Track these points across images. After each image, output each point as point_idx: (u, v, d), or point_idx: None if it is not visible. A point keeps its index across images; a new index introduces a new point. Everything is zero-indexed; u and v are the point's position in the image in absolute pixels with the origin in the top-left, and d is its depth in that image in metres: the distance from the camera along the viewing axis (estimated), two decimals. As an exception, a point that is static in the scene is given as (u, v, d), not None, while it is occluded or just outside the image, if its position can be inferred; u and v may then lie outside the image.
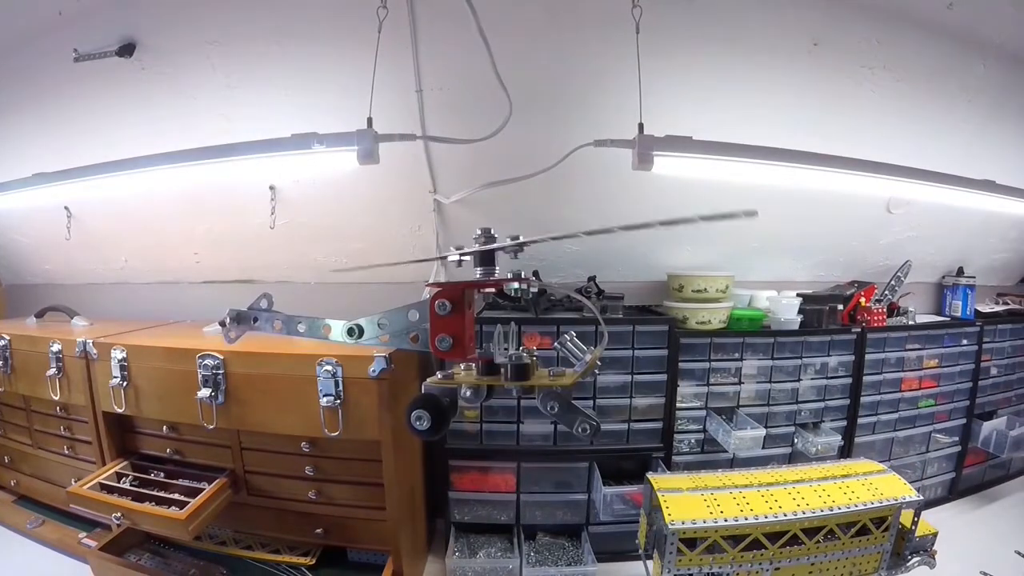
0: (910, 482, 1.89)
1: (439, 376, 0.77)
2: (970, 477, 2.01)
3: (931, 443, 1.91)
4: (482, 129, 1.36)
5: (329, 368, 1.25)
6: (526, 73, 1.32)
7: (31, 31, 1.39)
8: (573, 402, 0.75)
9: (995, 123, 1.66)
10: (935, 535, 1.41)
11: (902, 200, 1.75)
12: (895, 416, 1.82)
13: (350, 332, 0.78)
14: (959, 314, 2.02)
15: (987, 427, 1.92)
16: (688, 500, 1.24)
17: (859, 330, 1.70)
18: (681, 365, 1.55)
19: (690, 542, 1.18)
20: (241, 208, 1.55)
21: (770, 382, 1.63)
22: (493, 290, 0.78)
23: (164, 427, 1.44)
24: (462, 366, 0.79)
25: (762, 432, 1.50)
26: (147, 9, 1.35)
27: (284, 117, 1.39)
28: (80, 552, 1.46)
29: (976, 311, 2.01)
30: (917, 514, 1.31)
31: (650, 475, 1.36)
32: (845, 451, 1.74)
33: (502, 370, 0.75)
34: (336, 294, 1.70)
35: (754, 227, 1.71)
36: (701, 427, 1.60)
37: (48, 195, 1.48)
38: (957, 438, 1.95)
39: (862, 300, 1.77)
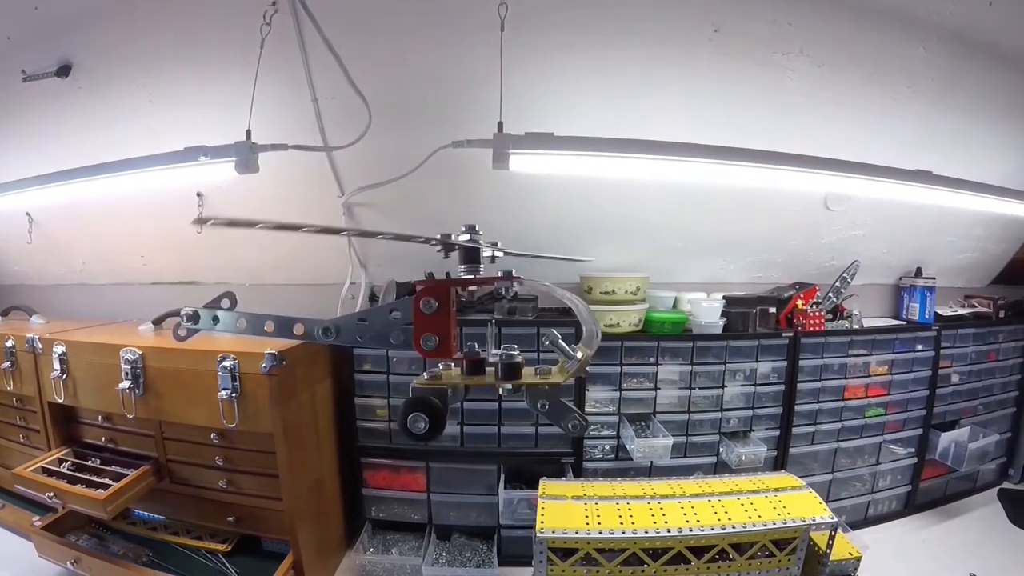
0: (859, 495, 1.66)
1: (425, 377, 0.72)
2: (929, 490, 1.74)
3: (882, 454, 1.66)
4: (377, 133, 1.27)
5: (227, 364, 1.23)
6: (413, 78, 1.23)
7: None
8: (563, 400, 0.70)
9: (942, 111, 1.41)
10: (858, 559, 1.18)
11: (841, 196, 1.52)
12: (838, 426, 1.58)
13: (326, 332, 0.72)
14: (916, 317, 1.74)
15: (945, 438, 1.65)
16: (568, 508, 1.10)
17: (791, 334, 1.48)
18: (591, 369, 1.39)
19: (570, 552, 1.03)
20: (176, 213, 1.52)
21: (690, 388, 1.44)
22: (476, 288, 0.72)
23: (99, 417, 1.43)
24: (441, 365, 0.74)
25: (669, 440, 1.32)
26: (77, 33, 1.34)
27: (203, 130, 1.34)
28: (31, 532, 1.47)
29: (936, 314, 1.73)
30: (832, 536, 1.10)
31: (543, 481, 1.22)
32: (779, 462, 1.52)
33: (489, 369, 0.71)
34: (271, 294, 1.65)
35: (675, 226, 1.53)
36: (615, 433, 1.44)
37: (9, 202, 1.50)
38: (913, 449, 1.68)
39: (799, 303, 1.55)
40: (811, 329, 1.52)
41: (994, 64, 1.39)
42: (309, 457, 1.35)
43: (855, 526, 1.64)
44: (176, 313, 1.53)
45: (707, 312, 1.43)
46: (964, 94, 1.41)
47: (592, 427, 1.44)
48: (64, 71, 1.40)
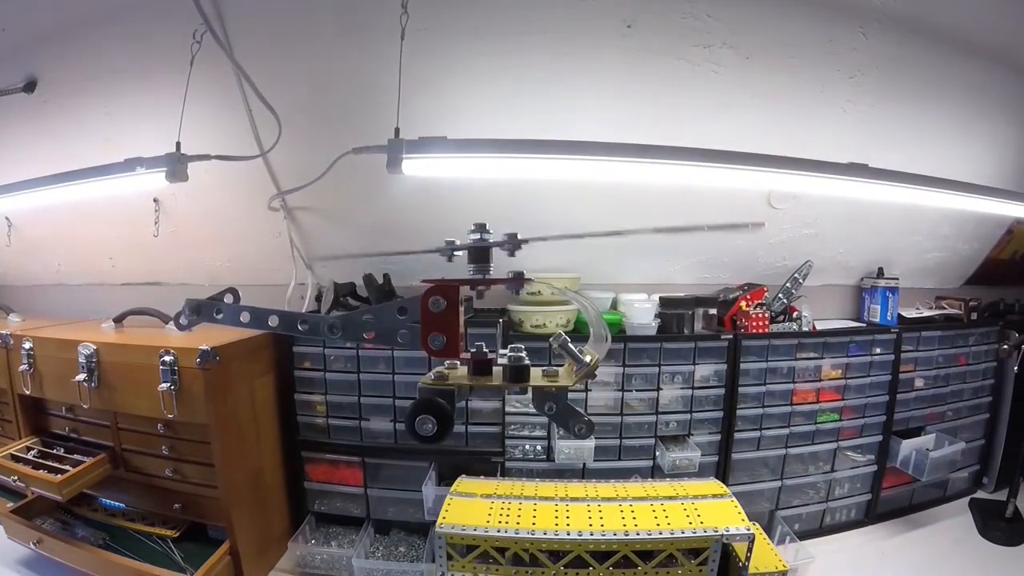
0: (813, 503, 1.58)
1: (431, 377, 0.71)
2: (892, 499, 1.64)
3: (838, 461, 1.56)
4: (311, 141, 1.29)
5: (168, 358, 1.28)
6: (338, 89, 1.26)
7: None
8: (570, 403, 0.70)
9: (889, 101, 1.32)
10: (784, 573, 1.12)
11: (785, 194, 1.44)
12: (786, 431, 1.50)
13: (331, 328, 0.70)
14: (877, 319, 1.63)
15: (906, 446, 1.55)
16: (474, 506, 1.09)
17: (730, 337, 1.41)
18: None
19: (471, 549, 1.01)
20: (137, 218, 1.60)
21: (622, 390, 1.39)
22: (486, 288, 0.72)
23: (63, 408, 1.50)
24: (447, 364, 0.73)
25: (592, 442, 1.28)
26: (40, 51, 1.43)
27: (153, 140, 1.39)
28: (1, 516, 1.56)
29: (900, 316, 1.61)
30: (749, 548, 1.04)
31: (461, 478, 1.21)
32: (721, 467, 1.46)
33: (496, 370, 0.70)
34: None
35: (613, 225, 1.47)
36: (546, 434, 1.41)
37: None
38: (872, 456, 1.58)
39: (743, 304, 1.48)
40: (754, 331, 1.45)
41: (951, 52, 1.30)
42: (247, 449, 1.39)
43: (809, 535, 1.56)
44: (136, 312, 1.60)
45: (639, 313, 1.39)
46: (917, 85, 1.32)
47: (520, 427, 1.42)
48: (30, 87, 1.49)
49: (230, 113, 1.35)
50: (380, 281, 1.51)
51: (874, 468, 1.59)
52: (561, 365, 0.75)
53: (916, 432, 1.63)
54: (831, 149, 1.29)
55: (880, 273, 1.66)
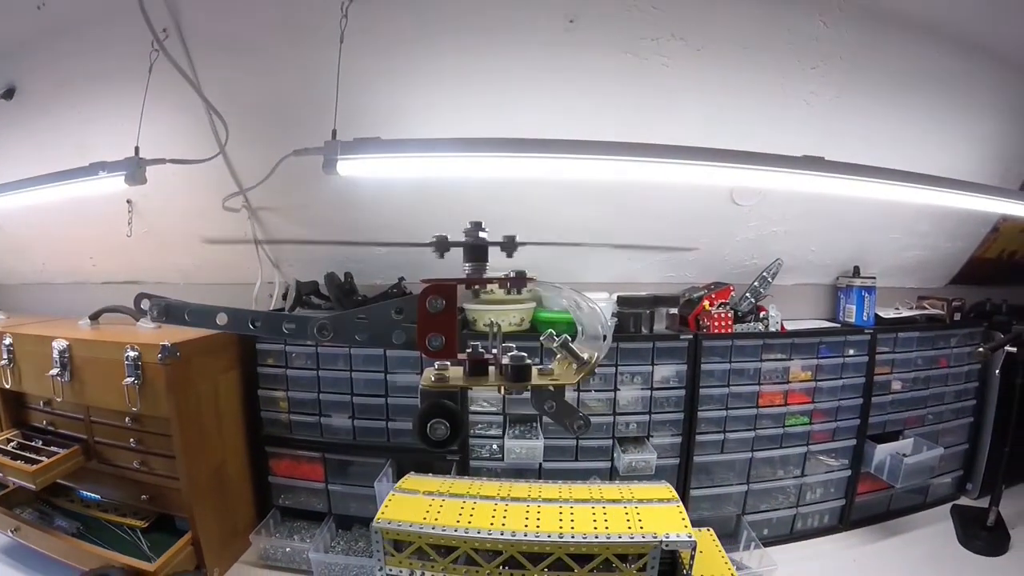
0: (783, 508, 1.53)
1: (432, 379, 0.70)
2: (868, 505, 1.59)
3: (809, 466, 1.52)
4: (265, 143, 1.31)
5: (132, 354, 1.32)
6: (287, 93, 1.28)
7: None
8: (566, 401, 0.70)
9: (857, 93, 1.27)
10: (731, 582, 1.09)
11: (749, 190, 1.40)
12: (751, 435, 1.46)
13: (321, 331, 0.67)
14: (853, 320, 1.57)
15: (881, 450, 1.49)
16: (414, 502, 1.09)
17: (690, 337, 1.38)
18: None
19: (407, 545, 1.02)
20: (113, 219, 1.64)
21: (578, 390, 1.38)
22: (482, 287, 0.72)
23: (41, 402, 1.56)
24: (436, 365, 0.71)
25: (540, 442, 1.27)
26: (17, 59, 1.47)
27: (130, 143, 1.43)
28: (-14, 507, 1.63)
29: (877, 316, 1.55)
30: (692, 556, 1.02)
31: (409, 475, 1.22)
32: (682, 469, 1.43)
33: (492, 370, 0.70)
34: (203, 293, 1.73)
35: (573, 224, 1.47)
36: (502, 433, 1.40)
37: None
38: (847, 461, 1.53)
39: (706, 304, 1.44)
40: (716, 331, 1.41)
41: (923, 41, 1.24)
42: (209, 442, 1.42)
43: (780, 541, 1.53)
44: (109, 310, 1.64)
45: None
46: (888, 76, 1.26)
47: (487, 426, 1.41)
48: (9, 94, 1.55)
49: (192, 116, 1.37)
50: (341, 280, 1.53)
51: (848, 473, 1.54)
52: (549, 363, 0.75)
53: (894, 436, 1.57)
54: (796, 144, 1.24)
55: (856, 272, 1.60)
